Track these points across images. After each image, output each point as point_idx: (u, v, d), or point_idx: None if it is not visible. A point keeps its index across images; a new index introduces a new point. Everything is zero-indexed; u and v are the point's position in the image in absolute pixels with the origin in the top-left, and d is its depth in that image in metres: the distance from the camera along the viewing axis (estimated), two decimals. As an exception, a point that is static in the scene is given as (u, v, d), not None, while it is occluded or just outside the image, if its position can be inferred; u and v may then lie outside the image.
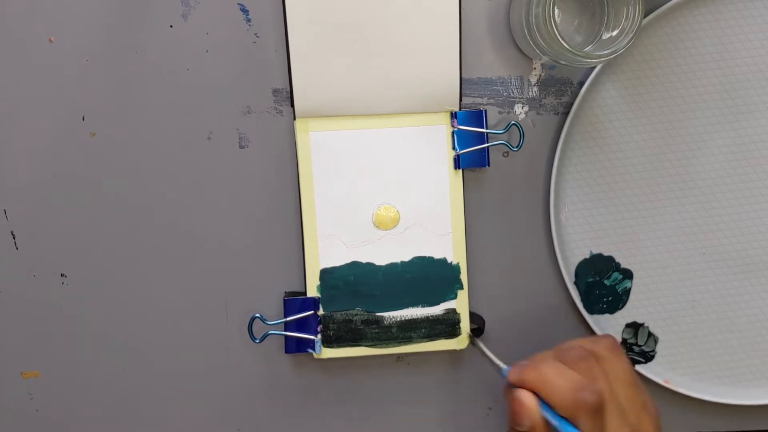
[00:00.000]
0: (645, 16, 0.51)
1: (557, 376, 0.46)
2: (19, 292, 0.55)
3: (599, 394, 0.44)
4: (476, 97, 0.54)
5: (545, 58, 0.51)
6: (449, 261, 0.54)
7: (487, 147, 0.53)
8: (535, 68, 0.54)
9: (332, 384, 0.57)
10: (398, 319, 0.54)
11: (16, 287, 0.55)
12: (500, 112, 0.55)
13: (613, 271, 0.56)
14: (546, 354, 0.49)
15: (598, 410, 0.44)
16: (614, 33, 0.50)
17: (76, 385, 0.56)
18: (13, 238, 0.54)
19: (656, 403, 0.49)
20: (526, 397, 0.46)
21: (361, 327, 0.54)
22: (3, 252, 0.54)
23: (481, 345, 0.53)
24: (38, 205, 0.54)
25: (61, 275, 0.55)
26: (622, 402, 0.46)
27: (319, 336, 0.54)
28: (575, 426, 0.44)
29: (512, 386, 0.47)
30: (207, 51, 0.53)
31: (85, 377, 0.56)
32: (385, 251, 0.54)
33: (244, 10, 0.53)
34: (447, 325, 0.55)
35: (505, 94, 0.55)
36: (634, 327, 0.57)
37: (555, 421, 0.45)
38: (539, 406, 0.46)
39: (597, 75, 0.53)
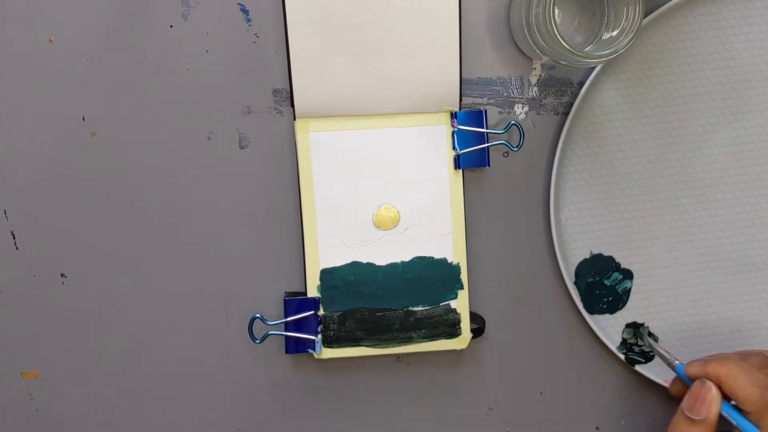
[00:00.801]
0: (645, 16, 0.51)
1: (745, 374, 0.47)
2: (19, 292, 0.55)
3: None
4: (476, 97, 0.54)
5: (545, 58, 0.51)
6: (449, 261, 0.54)
7: (487, 147, 0.53)
8: (535, 68, 0.54)
9: (332, 384, 0.57)
10: (398, 319, 0.54)
11: (16, 287, 0.55)
12: (500, 112, 0.55)
13: (613, 271, 0.56)
14: (730, 354, 0.50)
15: None
16: (614, 33, 0.50)
17: (76, 385, 0.56)
18: (13, 238, 0.54)
19: None
20: (713, 388, 0.47)
21: (362, 327, 0.54)
22: (3, 252, 0.54)
23: (651, 341, 0.55)
24: (38, 205, 0.54)
25: (61, 275, 0.55)
26: None
27: (319, 336, 0.54)
28: (757, 426, 0.46)
29: (689, 382, 0.49)
30: (207, 51, 0.53)
31: (85, 377, 0.56)
32: (386, 251, 0.54)
33: (244, 10, 0.53)
34: (447, 325, 0.55)
35: (505, 94, 0.55)
36: (634, 327, 0.57)
37: (736, 419, 0.47)
38: (721, 403, 0.47)
39: (597, 75, 0.53)
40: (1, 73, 0.53)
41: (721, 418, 0.48)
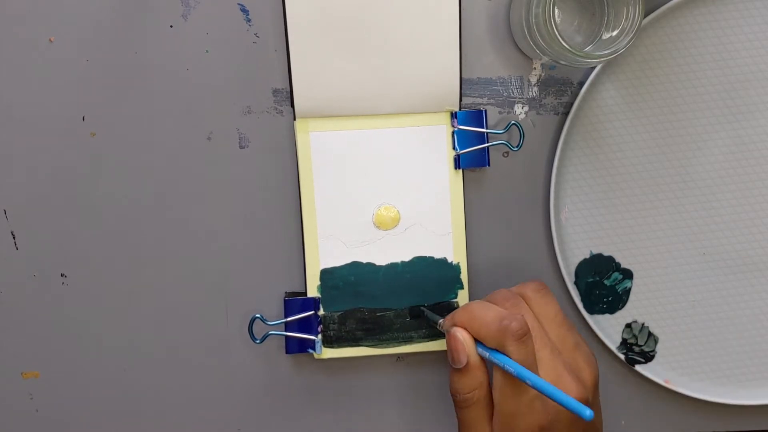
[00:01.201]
0: (645, 16, 0.51)
1: (483, 310, 0.47)
2: (19, 292, 0.55)
3: (523, 322, 0.46)
4: (476, 97, 0.54)
5: (545, 58, 0.51)
6: (449, 261, 0.54)
7: (487, 147, 0.53)
8: (535, 68, 0.54)
9: (333, 384, 0.57)
10: (399, 319, 0.54)
11: (16, 287, 0.55)
12: (500, 112, 0.55)
13: (613, 271, 0.56)
14: (477, 301, 0.50)
15: (523, 336, 0.45)
16: (614, 33, 0.50)
17: (76, 385, 0.56)
18: (13, 238, 0.54)
19: (592, 350, 0.50)
20: (459, 332, 0.48)
21: (362, 327, 0.54)
22: (3, 252, 0.54)
23: (424, 309, 0.55)
24: (38, 205, 0.54)
25: (61, 275, 0.55)
26: (554, 340, 0.48)
27: (319, 336, 0.54)
28: (506, 355, 0.46)
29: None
30: (207, 51, 0.53)
31: (85, 377, 0.56)
32: (386, 251, 0.54)
33: (244, 10, 0.53)
34: (447, 325, 0.55)
35: (505, 94, 0.55)
36: (634, 327, 0.57)
37: (486, 353, 0.47)
38: (474, 343, 0.48)
39: (597, 75, 0.53)
40: (1, 73, 0.53)
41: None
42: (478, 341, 0.48)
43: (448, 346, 0.48)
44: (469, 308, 0.48)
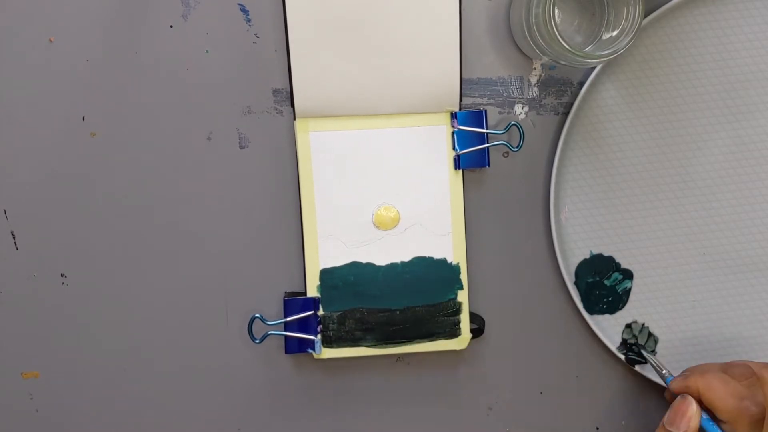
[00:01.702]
0: (645, 16, 0.51)
1: (722, 384, 0.48)
2: (19, 292, 0.55)
3: (762, 408, 0.47)
4: (476, 97, 0.54)
5: (545, 58, 0.51)
6: (449, 261, 0.54)
7: (487, 147, 0.53)
8: (535, 68, 0.54)
9: (332, 384, 0.57)
10: (398, 320, 0.54)
11: (16, 287, 0.55)
12: (500, 113, 0.55)
13: (613, 271, 0.56)
14: (712, 365, 0.51)
15: (758, 423, 0.46)
16: (614, 33, 0.50)
17: (76, 385, 0.56)
18: (13, 238, 0.54)
19: None
20: (694, 404, 0.49)
21: (361, 327, 0.54)
22: (3, 252, 0.54)
23: (648, 355, 0.56)
24: (38, 205, 0.54)
25: (61, 275, 0.55)
26: None
27: (319, 336, 0.54)
28: None
29: (674, 394, 0.51)
30: (207, 51, 0.53)
31: (85, 377, 0.56)
32: (385, 251, 0.54)
33: (244, 10, 0.53)
34: (447, 326, 0.55)
35: (505, 94, 0.55)
36: (634, 327, 0.57)
37: (711, 430, 0.48)
38: (700, 417, 0.49)
39: (597, 75, 0.53)
40: (1, 73, 0.53)
41: None
42: (704, 411, 0.49)
43: (673, 408, 0.49)
44: (708, 378, 0.49)
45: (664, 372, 0.53)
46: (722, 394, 0.48)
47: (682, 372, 0.52)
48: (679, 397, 0.50)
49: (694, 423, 0.48)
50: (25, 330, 0.55)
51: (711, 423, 0.49)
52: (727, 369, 0.50)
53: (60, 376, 0.55)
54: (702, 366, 0.52)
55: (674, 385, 0.51)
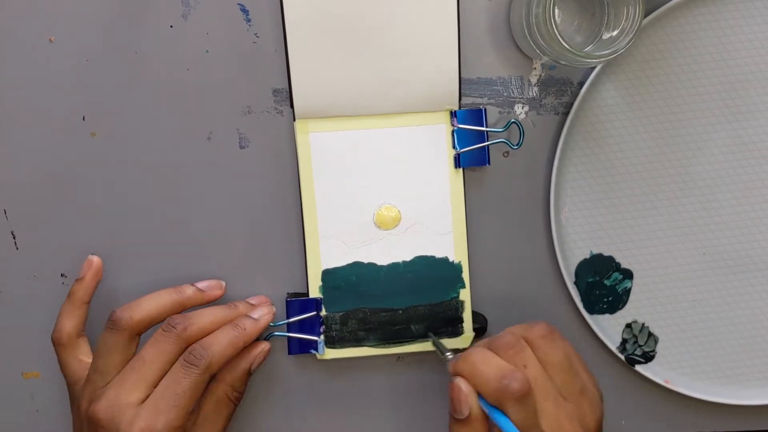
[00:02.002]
0: (645, 16, 0.51)
1: (484, 365, 0.46)
2: (19, 292, 0.55)
3: (524, 382, 0.44)
4: (476, 97, 0.54)
5: (545, 58, 0.51)
6: (451, 260, 0.54)
7: (488, 145, 0.53)
8: (535, 68, 0.55)
9: (335, 384, 0.57)
10: (400, 319, 0.54)
11: (16, 287, 0.55)
12: (500, 112, 0.55)
13: (613, 271, 0.56)
14: (479, 342, 0.49)
15: (525, 397, 0.44)
16: (614, 33, 0.50)
17: (76, 386, 0.56)
18: (13, 238, 0.54)
19: (599, 386, 0.49)
20: (463, 384, 0.46)
21: (364, 327, 0.54)
22: (3, 252, 0.54)
23: (432, 336, 0.54)
24: (38, 205, 0.54)
25: (61, 275, 0.55)
26: (559, 386, 0.47)
27: (321, 337, 0.54)
28: (505, 414, 0.45)
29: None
30: (207, 51, 0.53)
31: (85, 377, 0.56)
32: (387, 251, 0.54)
33: (244, 10, 0.53)
34: (449, 325, 0.55)
35: (505, 94, 0.55)
36: (634, 327, 0.57)
37: (486, 410, 0.46)
38: (476, 395, 0.46)
39: (597, 75, 0.53)
40: (1, 73, 0.53)
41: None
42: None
43: (450, 394, 0.47)
44: (471, 359, 0.47)
45: (447, 354, 0.50)
46: (483, 377, 0.45)
47: (457, 354, 0.49)
48: (449, 383, 0.47)
49: (473, 401, 0.46)
50: (25, 330, 0.55)
51: (488, 406, 0.46)
52: (491, 343, 0.48)
53: (60, 376, 0.55)
54: (472, 346, 0.50)
55: (450, 368, 0.48)
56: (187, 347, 0.49)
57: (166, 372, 0.48)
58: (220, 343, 0.49)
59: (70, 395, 0.52)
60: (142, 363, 0.48)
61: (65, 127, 0.53)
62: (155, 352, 0.48)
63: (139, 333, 0.50)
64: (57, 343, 0.52)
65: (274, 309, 0.53)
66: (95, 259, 0.53)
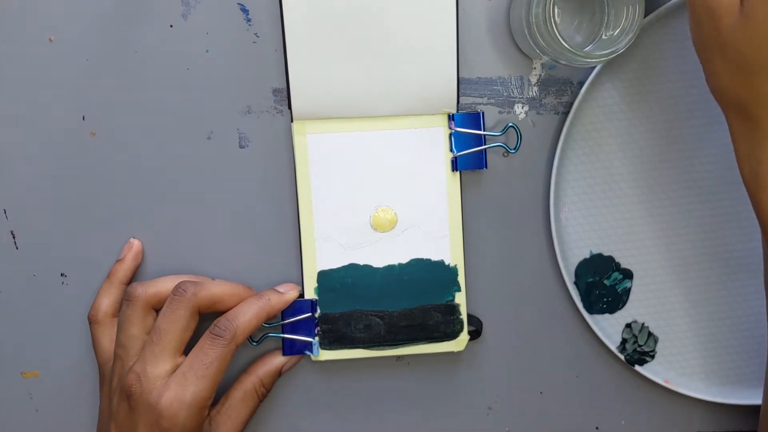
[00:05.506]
0: (645, 16, 0.51)
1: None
2: (19, 292, 0.55)
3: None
4: (476, 96, 0.54)
5: (545, 58, 0.51)
6: (447, 263, 0.54)
7: (485, 149, 0.53)
8: (535, 68, 0.54)
9: (330, 386, 0.57)
10: (396, 322, 0.54)
11: (16, 287, 0.55)
12: (500, 112, 0.55)
13: (613, 271, 0.56)
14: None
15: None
16: (614, 33, 0.50)
17: (76, 385, 0.56)
18: (13, 238, 0.54)
19: None
20: None
21: (359, 329, 0.54)
22: (3, 252, 0.54)
23: None
24: (38, 205, 0.54)
25: (61, 275, 0.55)
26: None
27: (316, 338, 0.54)
28: None
29: None
30: (207, 51, 0.53)
31: (85, 377, 0.56)
32: (383, 253, 0.54)
33: (244, 10, 0.53)
34: (444, 328, 0.55)
35: (505, 94, 0.54)
36: (634, 327, 0.57)
37: None
38: None
39: (597, 75, 0.53)
40: (1, 73, 0.53)
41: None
42: None
43: None
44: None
45: None
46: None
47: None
48: None
49: None
50: (25, 330, 0.55)
51: None
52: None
53: (60, 376, 0.55)
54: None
55: None
56: (199, 312, 0.50)
57: (185, 339, 0.50)
58: (245, 314, 0.50)
59: (100, 377, 0.53)
60: (159, 334, 0.49)
61: (65, 127, 0.53)
62: (168, 320, 0.49)
63: (154, 306, 0.52)
64: (92, 321, 0.53)
65: (300, 288, 0.54)
66: (135, 242, 0.54)
